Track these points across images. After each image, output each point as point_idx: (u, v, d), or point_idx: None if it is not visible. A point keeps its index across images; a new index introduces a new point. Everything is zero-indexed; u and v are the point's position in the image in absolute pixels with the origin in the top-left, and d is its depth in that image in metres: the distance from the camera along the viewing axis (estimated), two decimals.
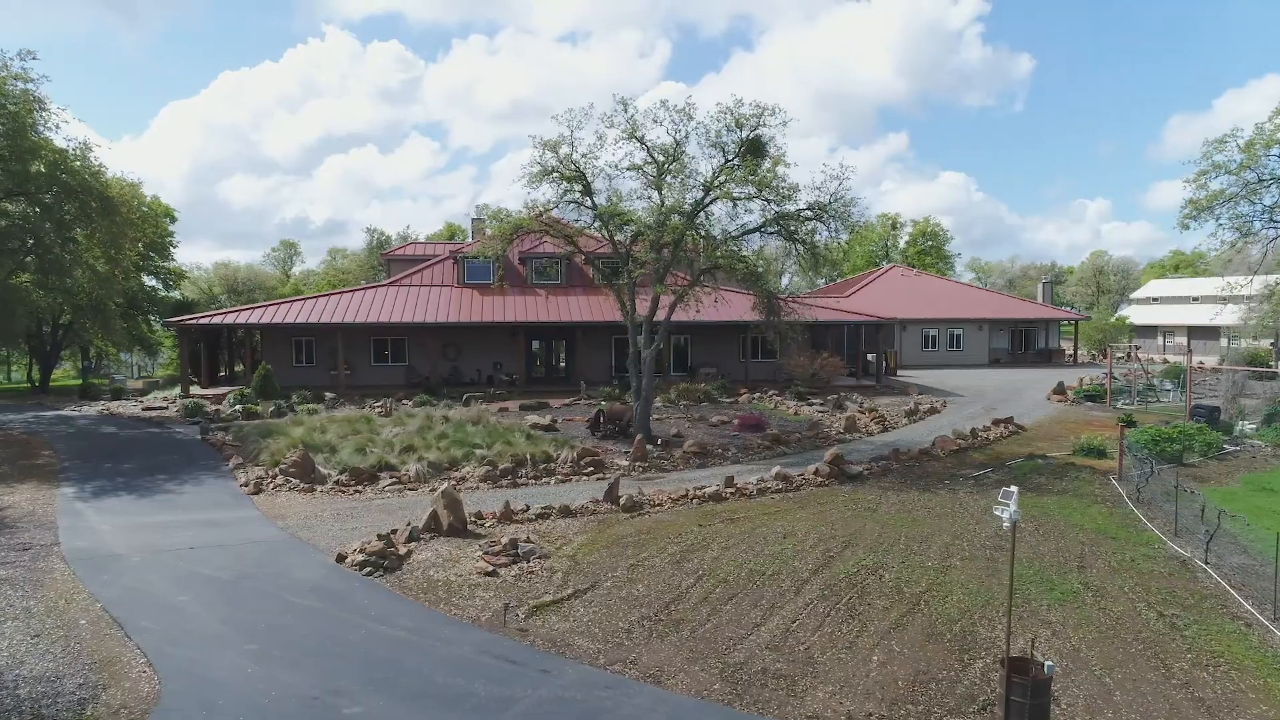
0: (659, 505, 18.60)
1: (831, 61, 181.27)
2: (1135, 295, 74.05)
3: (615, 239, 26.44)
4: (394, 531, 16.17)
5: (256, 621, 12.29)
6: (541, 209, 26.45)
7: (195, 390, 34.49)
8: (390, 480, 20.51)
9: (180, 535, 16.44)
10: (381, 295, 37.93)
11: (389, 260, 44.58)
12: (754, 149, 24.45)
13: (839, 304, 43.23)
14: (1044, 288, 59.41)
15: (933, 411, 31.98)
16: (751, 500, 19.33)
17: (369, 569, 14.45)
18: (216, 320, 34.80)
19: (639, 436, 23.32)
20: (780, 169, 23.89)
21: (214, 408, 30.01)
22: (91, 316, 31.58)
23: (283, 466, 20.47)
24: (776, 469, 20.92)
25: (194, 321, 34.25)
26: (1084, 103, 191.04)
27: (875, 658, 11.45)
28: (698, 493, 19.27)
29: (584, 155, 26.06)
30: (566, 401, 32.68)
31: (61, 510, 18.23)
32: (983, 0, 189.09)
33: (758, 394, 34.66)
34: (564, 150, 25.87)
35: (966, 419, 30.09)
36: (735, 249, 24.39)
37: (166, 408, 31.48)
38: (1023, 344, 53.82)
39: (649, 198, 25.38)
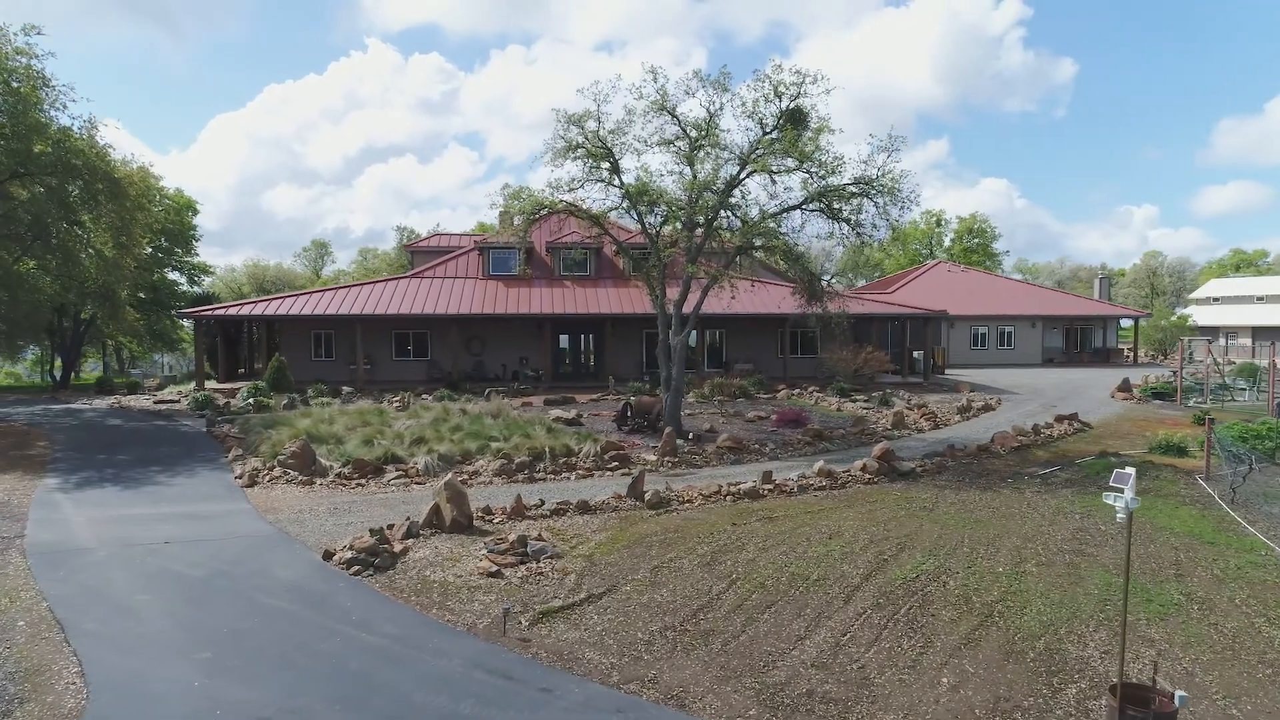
0: (688, 502, 16.73)
1: (870, 68, 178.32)
2: (1194, 295, 70.61)
3: (645, 220, 24.66)
4: (390, 527, 14.49)
5: (219, 626, 10.64)
6: (566, 187, 24.73)
7: (211, 385, 33.29)
8: (396, 473, 18.87)
9: (159, 529, 14.91)
10: (404, 287, 36.51)
11: (414, 252, 43.17)
12: (794, 119, 22.53)
13: (883, 298, 41.05)
14: (1100, 284, 56.39)
15: (986, 409, 29.71)
16: (792, 498, 17.39)
17: (357, 568, 12.76)
18: (232, 311, 33.59)
19: (668, 430, 21.46)
20: (824, 138, 21.90)
21: (226, 401, 28.70)
22: (100, 304, 30.43)
23: (281, 458, 18.94)
24: (820, 464, 18.95)
25: (209, 312, 33.05)
26: (1128, 107, 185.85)
27: (945, 680, 9.48)
28: (732, 489, 17.37)
29: (611, 131, 24.35)
30: (594, 397, 30.94)
31: (38, 501, 16.82)
32: (1024, 4, 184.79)
33: (797, 390, 32.62)
34: (590, 125, 24.18)
35: (1025, 416, 27.81)
36: (774, 225, 22.43)
37: (178, 401, 30.26)
38: (1078, 343, 50.99)
39: (681, 174, 23.51)
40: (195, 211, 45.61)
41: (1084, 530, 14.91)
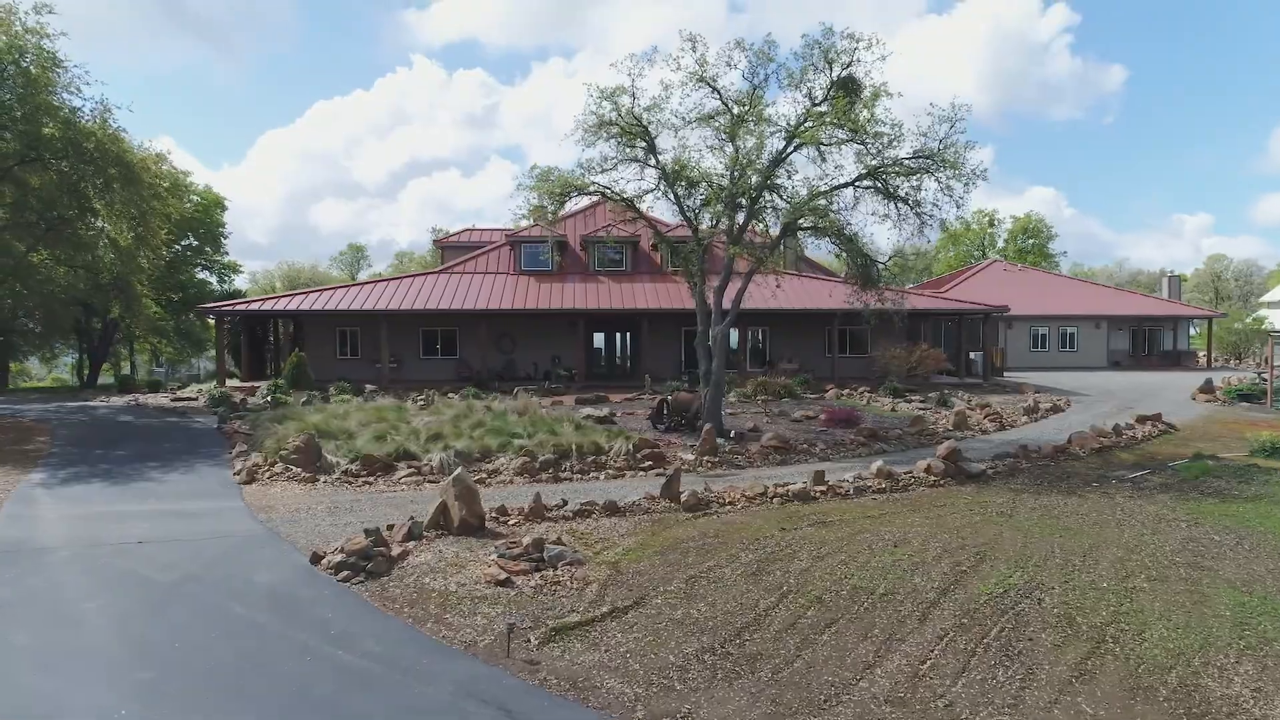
0: (730, 504, 14.80)
1: (911, 75, 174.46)
2: (1266, 299, 66.83)
3: (683, 204, 22.83)
4: (390, 527, 12.77)
5: (172, 640, 8.97)
6: (598, 167, 23.02)
7: (234, 383, 32.11)
8: (408, 471, 17.19)
9: (136, 527, 13.35)
10: (431, 282, 35.05)
11: (444, 248, 41.72)
12: (846, 88, 20.55)
13: (938, 295, 38.71)
14: (1169, 282, 53.10)
15: (1055, 410, 27.31)
16: (848, 501, 15.37)
17: (346, 573, 11.04)
18: (254, 306, 32.36)
19: (707, 427, 19.53)
20: (880, 105, 19.86)
21: (243, 399, 27.38)
22: (115, 296, 29.31)
23: (283, 454, 17.37)
24: (878, 465, 16.89)
25: (229, 307, 31.87)
26: (1180, 113, 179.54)
27: None
28: (779, 490, 15.39)
29: (647, 108, 22.59)
30: (628, 396, 29.12)
31: (15, 497, 15.41)
32: (1071, 10, 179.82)
33: (846, 390, 30.46)
34: (624, 101, 22.44)
35: (1098, 418, 25.38)
36: (825, 204, 20.39)
37: (196, 399, 29.04)
38: (1145, 345, 47.95)
39: (722, 150, 21.62)
40: (224, 208, 44.75)
41: (1195, 540, 12.69)
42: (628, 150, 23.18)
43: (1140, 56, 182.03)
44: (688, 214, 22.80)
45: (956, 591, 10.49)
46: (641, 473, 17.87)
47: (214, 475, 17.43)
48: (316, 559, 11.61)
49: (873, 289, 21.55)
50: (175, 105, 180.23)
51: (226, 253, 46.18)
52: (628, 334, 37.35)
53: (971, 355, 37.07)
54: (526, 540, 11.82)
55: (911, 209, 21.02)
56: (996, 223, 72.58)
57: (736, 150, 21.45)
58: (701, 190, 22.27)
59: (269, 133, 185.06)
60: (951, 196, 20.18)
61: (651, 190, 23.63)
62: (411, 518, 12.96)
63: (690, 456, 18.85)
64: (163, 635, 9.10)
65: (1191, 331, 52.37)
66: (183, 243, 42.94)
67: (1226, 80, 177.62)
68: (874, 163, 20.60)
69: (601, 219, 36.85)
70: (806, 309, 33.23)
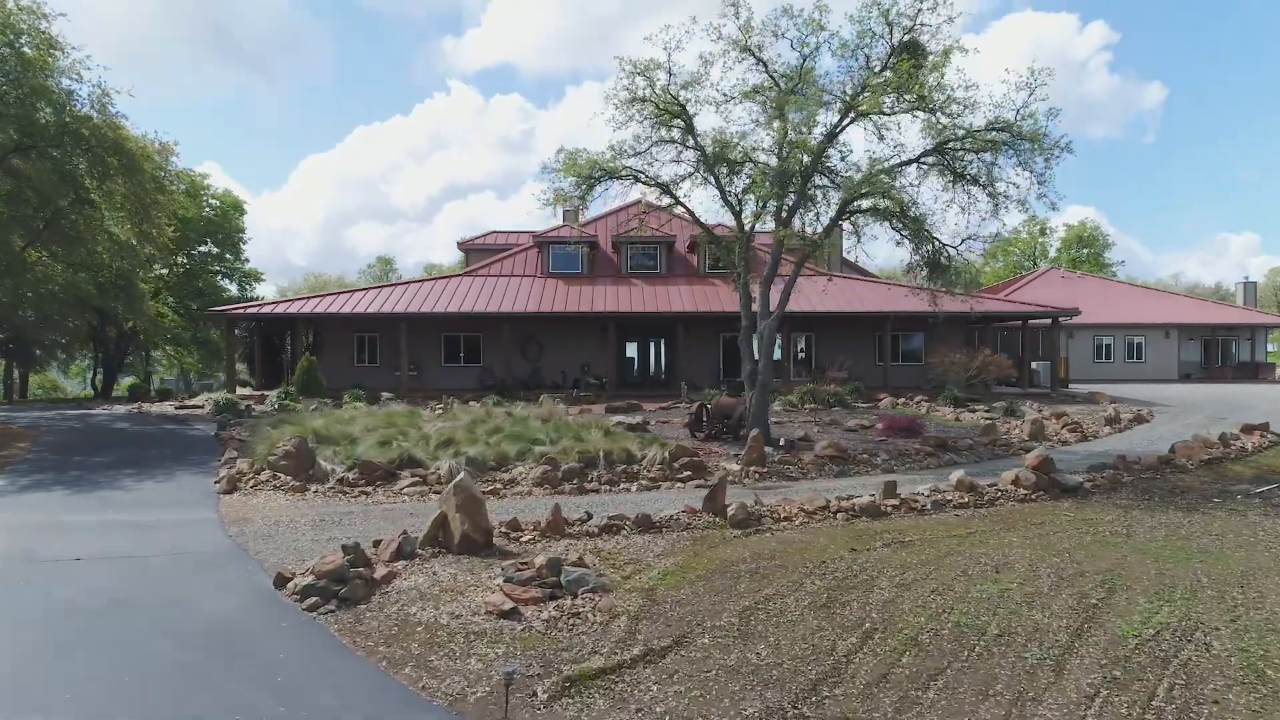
0: (786, 519, 12.46)
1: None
2: None
3: (725, 189, 20.66)
4: (376, 543, 10.59)
5: (70, 687, 6.83)
6: (630, 149, 20.95)
7: (246, 391, 30.35)
8: (412, 480, 15.03)
9: (82, 541, 11.32)
10: (454, 285, 33.11)
11: (468, 250, 39.76)
12: (910, 50, 18.27)
13: (999, 298, 36.04)
14: (1244, 288, 49.60)
15: (1139, 420, 24.54)
16: (925, 517, 12.96)
17: (315, 599, 8.86)
18: (266, 309, 30.59)
19: (754, 432, 17.18)
20: (952, 64, 17.54)
21: (248, 405, 25.52)
22: (115, 296, 27.56)
23: (271, 459, 15.30)
24: (958, 475, 14.44)
25: (239, 311, 30.12)
26: (1222, 131, 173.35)
27: None
28: (843, 504, 13.03)
29: (684, 85, 20.51)
30: (663, 405, 26.86)
31: None
32: (1110, 29, 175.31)
33: (901, 399, 27.90)
34: (659, 78, 20.38)
35: (1189, 429, 22.60)
36: (888, 181, 18.01)
37: (203, 406, 27.25)
38: (1219, 356, 44.65)
39: (770, 127, 19.39)
40: (243, 212, 43.26)
41: None
42: (663, 131, 21.15)
43: (1180, 74, 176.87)
44: (730, 199, 20.62)
45: (1093, 632, 8.06)
46: (679, 484, 15.57)
47: (194, 484, 15.42)
48: (282, 582, 9.45)
49: (941, 278, 19.08)
50: (221, 132, 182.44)
51: (247, 259, 44.70)
52: (662, 341, 35.14)
53: (1033, 365, 34.32)
54: (540, 561, 9.57)
55: (983, 189, 18.62)
56: (1048, 231, 69.25)
57: (785, 124, 19.22)
58: (746, 172, 20.07)
59: (310, 157, 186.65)
60: (1032, 172, 17.75)
61: (690, 175, 21.54)
62: (405, 532, 10.79)
63: (735, 467, 16.53)
64: (63, 679, 6.97)
65: (1270, 347, 48.75)
66: (201, 248, 41.57)
67: (1268, 94, 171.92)
68: (941, 139, 18.25)
69: (633, 221, 34.77)
70: (857, 312, 30.82)
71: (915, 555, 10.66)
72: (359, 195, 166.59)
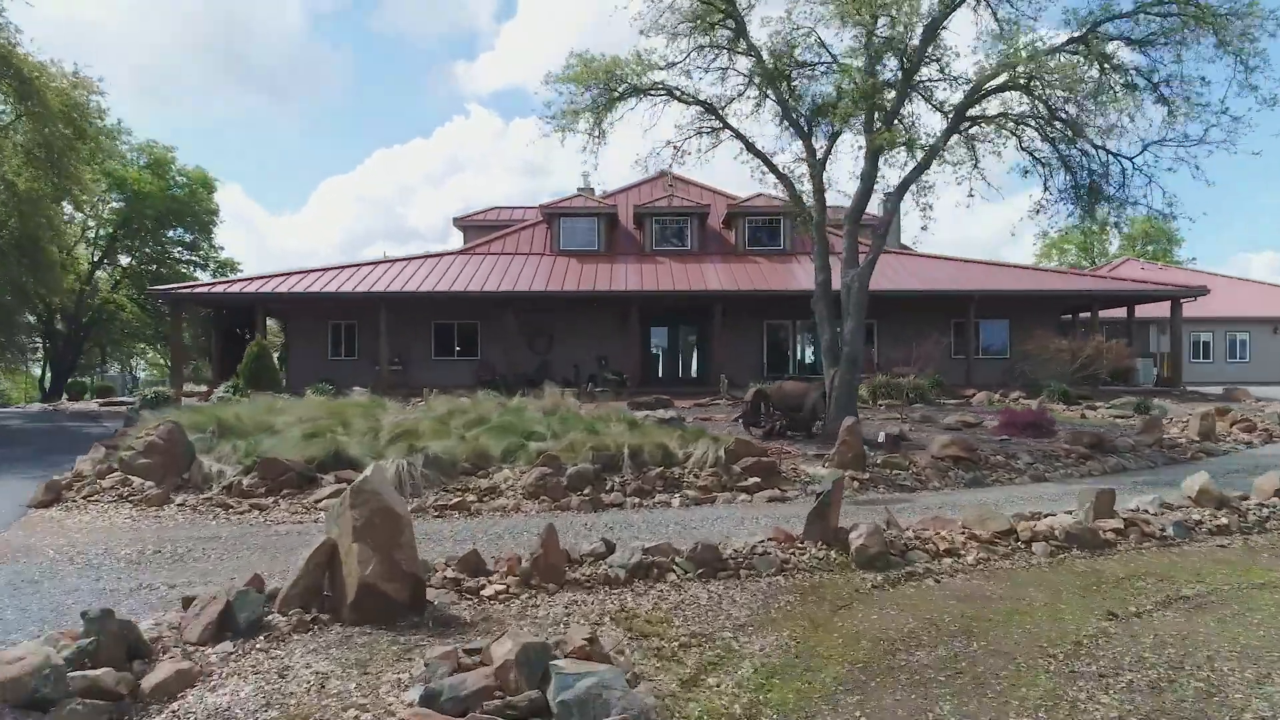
0: (948, 553, 7.20)
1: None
2: None
3: (790, 110, 15.58)
4: (187, 602, 5.42)
5: None
6: (662, 60, 15.97)
7: (202, 388, 25.33)
8: (337, 487, 9.81)
9: None
10: (447, 263, 27.99)
11: (465, 228, 34.53)
12: None
13: (1104, 277, 30.55)
14: None
15: None
16: (1172, 548, 7.76)
17: None
18: (219, 290, 25.56)
19: (847, 423, 11.89)
20: None
21: (179, 398, 20.50)
22: (16, 259, 22.29)
23: (126, 457, 10.16)
24: (1202, 482, 9.16)
25: (189, 290, 25.12)
26: (1237, 148, 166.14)
27: None
28: (1037, 529, 7.77)
29: None
30: (699, 401, 21.65)
31: None
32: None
33: (997, 394, 22.48)
34: None
35: None
36: (1043, 56, 12.69)
37: (133, 403, 22.28)
38: None
39: (856, 14, 14.20)
40: (212, 189, 37.98)
41: None
42: (705, 37, 16.17)
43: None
44: (799, 122, 15.51)
45: None
46: (743, 495, 10.34)
47: (15, 491, 10.32)
48: None
49: (1105, 205, 13.75)
50: (242, 154, 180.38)
51: (222, 247, 39.63)
52: (695, 329, 29.88)
53: (1137, 362, 28.86)
54: (505, 651, 4.34)
55: (1155, 91, 13.35)
56: (1108, 228, 62.74)
57: (869, 34, 14.05)
58: (823, 79, 14.94)
59: (329, 179, 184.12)
60: (1242, 61, 12.46)
61: (740, 95, 16.51)
62: (246, 585, 5.61)
63: (821, 470, 11.27)
64: None
65: None
66: (169, 233, 36.72)
67: None
68: (1101, 14, 13.02)
69: (658, 192, 29.68)
70: (936, 291, 25.57)
71: (1229, 628, 5.41)
72: (377, 217, 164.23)
